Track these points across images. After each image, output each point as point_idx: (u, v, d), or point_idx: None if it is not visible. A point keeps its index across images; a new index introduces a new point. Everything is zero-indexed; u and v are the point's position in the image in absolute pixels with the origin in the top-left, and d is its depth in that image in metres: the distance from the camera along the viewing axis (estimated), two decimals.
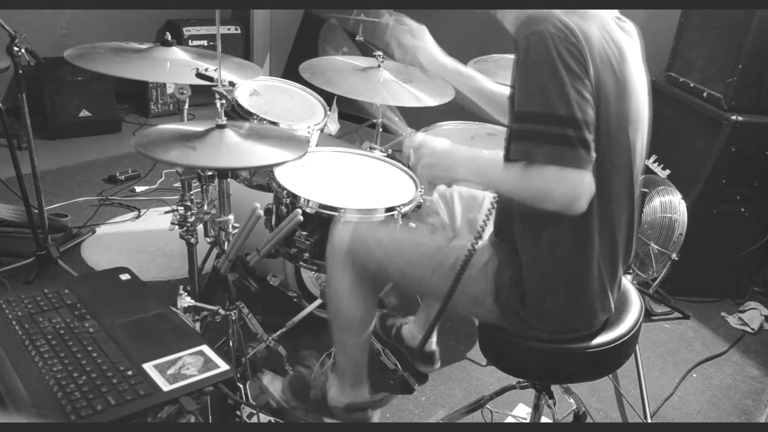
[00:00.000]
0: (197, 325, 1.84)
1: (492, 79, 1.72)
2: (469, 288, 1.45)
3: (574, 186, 1.17)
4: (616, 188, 1.32)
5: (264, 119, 2.11)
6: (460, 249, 1.47)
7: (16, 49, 2.21)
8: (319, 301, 2.14)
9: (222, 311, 1.78)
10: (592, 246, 1.33)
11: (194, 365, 1.20)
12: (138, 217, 3.13)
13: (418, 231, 1.62)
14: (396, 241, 1.54)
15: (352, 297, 1.61)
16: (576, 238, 1.31)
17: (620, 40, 1.28)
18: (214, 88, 1.74)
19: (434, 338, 2.13)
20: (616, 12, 1.36)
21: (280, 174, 1.92)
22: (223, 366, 1.21)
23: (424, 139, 1.46)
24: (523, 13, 1.31)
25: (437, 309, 1.50)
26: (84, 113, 3.98)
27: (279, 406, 1.85)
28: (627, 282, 1.59)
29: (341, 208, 1.78)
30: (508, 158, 1.28)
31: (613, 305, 1.45)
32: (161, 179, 3.52)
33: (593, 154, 1.17)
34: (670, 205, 2.63)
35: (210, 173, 1.96)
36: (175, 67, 1.94)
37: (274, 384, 1.89)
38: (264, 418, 1.75)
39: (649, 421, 2.10)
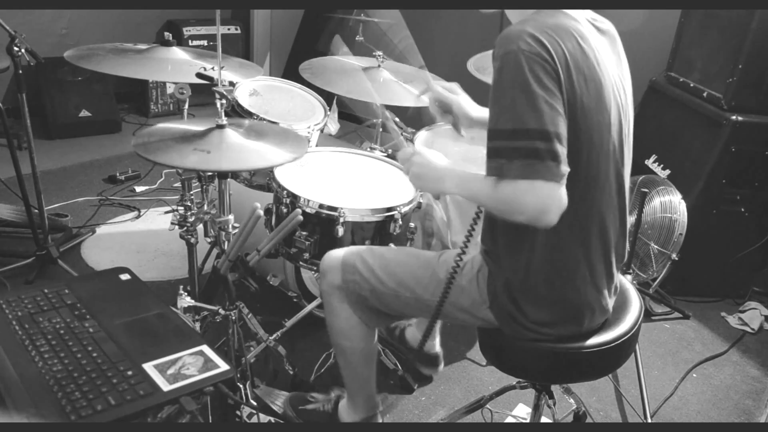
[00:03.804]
0: (197, 325, 1.84)
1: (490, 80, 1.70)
2: (462, 300, 1.46)
3: (542, 198, 1.18)
4: (605, 190, 1.33)
5: (264, 119, 2.12)
6: (451, 261, 1.49)
7: (16, 49, 2.21)
8: (318, 301, 2.14)
9: (222, 311, 1.78)
10: (582, 248, 1.34)
11: (194, 365, 1.20)
12: (138, 217, 3.13)
13: (406, 250, 1.63)
14: (386, 264, 1.55)
15: (353, 332, 1.64)
16: (559, 240, 1.32)
17: (597, 45, 1.29)
18: (214, 88, 1.74)
19: (437, 340, 2.14)
20: (590, 12, 1.36)
21: (280, 174, 1.92)
22: (223, 366, 1.21)
23: (417, 150, 1.49)
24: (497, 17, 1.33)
25: (430, 320, 1.52)
26: (84, 113, 3.98)
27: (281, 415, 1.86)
28: (627, 282, 1.59)
29: (341, 208, 1.78)
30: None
31: (610, 305, 1.45)
32: (161, 179, 3.52)
33: (564, 167, 1.18)
34: (670, 205, 2.63)
35: (210, 173, 1.96)
36: (176, 67, 1.94)
37: (272, 397, 1.91)
38: (264, 418, 1.75)
39: (649, 421, 2.10)
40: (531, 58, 1.18)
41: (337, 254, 1.61)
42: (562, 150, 1.18)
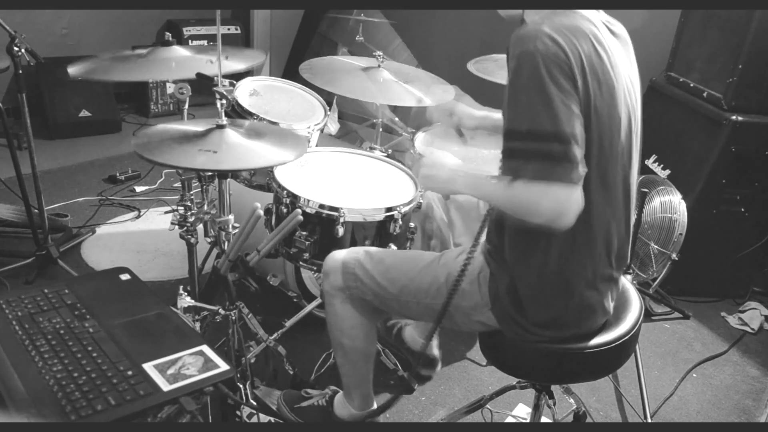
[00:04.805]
0: (197, 325, 1.84)
1: (491, 79, 1.72)
2: (464, 302, 1.46)
3: (559, 201, 1.18)
4: (613, 193, 1.33)
5: (264, 119, 2.11)
6: (451, 263, 1.48)
7: (16, 49, 2.21)
8: (318, 301, 2.14)
9: (222, 311, 1.78)
10: (587, 252, 1.34)
11: (194, 365, 1.20)
12: (138, 217, 3.14)
13: (406, 254, 1.63)
14: (386, 270, 1.55)
15: (353, 332, 1.64)
16: (571, 245, 1.32)
17: (611, 47, 1.28)
18: (215, 88, 1.74)
19: (435, 342, 2.14)
20: (604, 14, 1.36)
21: (280, 174, 1.92)
22: (223, 366, 1.21)
23: (427, 151, 1.49)
24: (517, 17, 1.33)
25: (434, 322, 1.52)
26: (84, 113, 3.98)
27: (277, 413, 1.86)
28: (627, 282, 1.59)
29: (341, 208, 1.78)
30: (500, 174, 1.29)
31: (611, 307, 1.45)
32: (161, 179, 3.52)
33: (581, 169, 1.18)
34: (670, 205, 2.63)
35: (210, 173, 1.95)
36: (179, 64, 1.93)
37: (271, 398, 1.91)
38: (264, 418, 1.75)
39: (649, 421, 2.10)
40: (548, 59, 1.17)
41: (338, 257, 1.61)
42: (579, 151, 1.18)
